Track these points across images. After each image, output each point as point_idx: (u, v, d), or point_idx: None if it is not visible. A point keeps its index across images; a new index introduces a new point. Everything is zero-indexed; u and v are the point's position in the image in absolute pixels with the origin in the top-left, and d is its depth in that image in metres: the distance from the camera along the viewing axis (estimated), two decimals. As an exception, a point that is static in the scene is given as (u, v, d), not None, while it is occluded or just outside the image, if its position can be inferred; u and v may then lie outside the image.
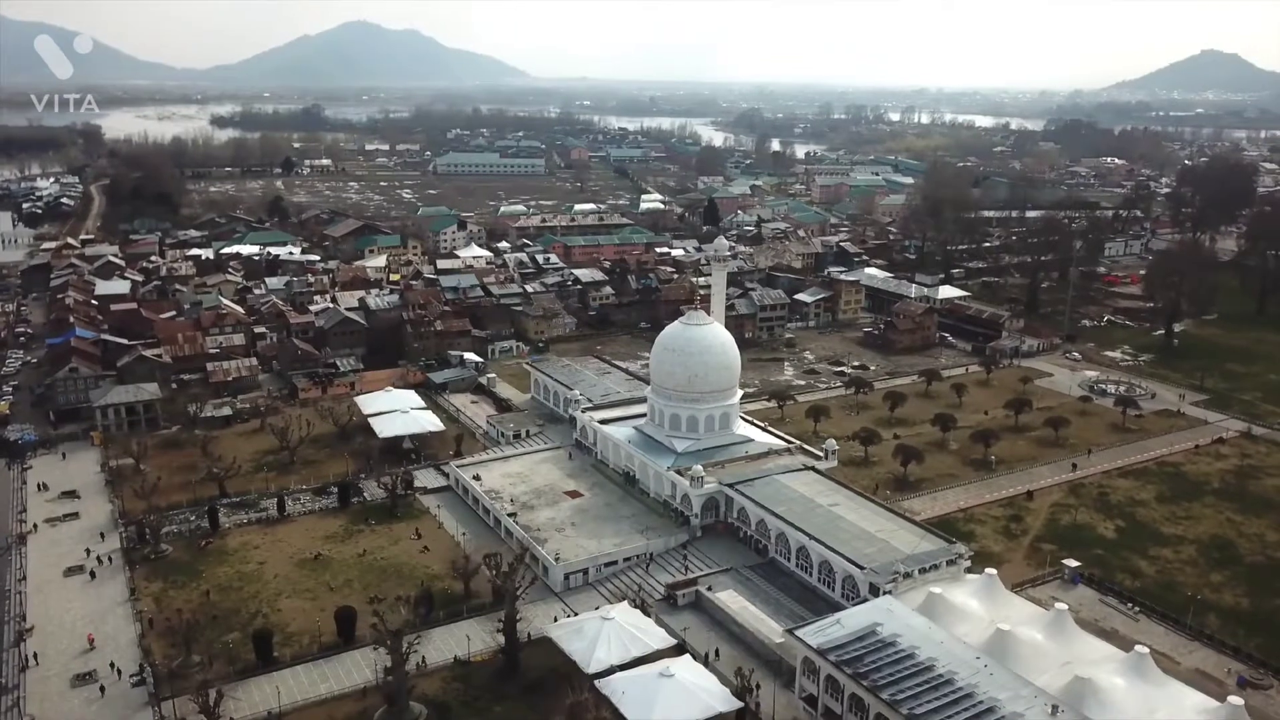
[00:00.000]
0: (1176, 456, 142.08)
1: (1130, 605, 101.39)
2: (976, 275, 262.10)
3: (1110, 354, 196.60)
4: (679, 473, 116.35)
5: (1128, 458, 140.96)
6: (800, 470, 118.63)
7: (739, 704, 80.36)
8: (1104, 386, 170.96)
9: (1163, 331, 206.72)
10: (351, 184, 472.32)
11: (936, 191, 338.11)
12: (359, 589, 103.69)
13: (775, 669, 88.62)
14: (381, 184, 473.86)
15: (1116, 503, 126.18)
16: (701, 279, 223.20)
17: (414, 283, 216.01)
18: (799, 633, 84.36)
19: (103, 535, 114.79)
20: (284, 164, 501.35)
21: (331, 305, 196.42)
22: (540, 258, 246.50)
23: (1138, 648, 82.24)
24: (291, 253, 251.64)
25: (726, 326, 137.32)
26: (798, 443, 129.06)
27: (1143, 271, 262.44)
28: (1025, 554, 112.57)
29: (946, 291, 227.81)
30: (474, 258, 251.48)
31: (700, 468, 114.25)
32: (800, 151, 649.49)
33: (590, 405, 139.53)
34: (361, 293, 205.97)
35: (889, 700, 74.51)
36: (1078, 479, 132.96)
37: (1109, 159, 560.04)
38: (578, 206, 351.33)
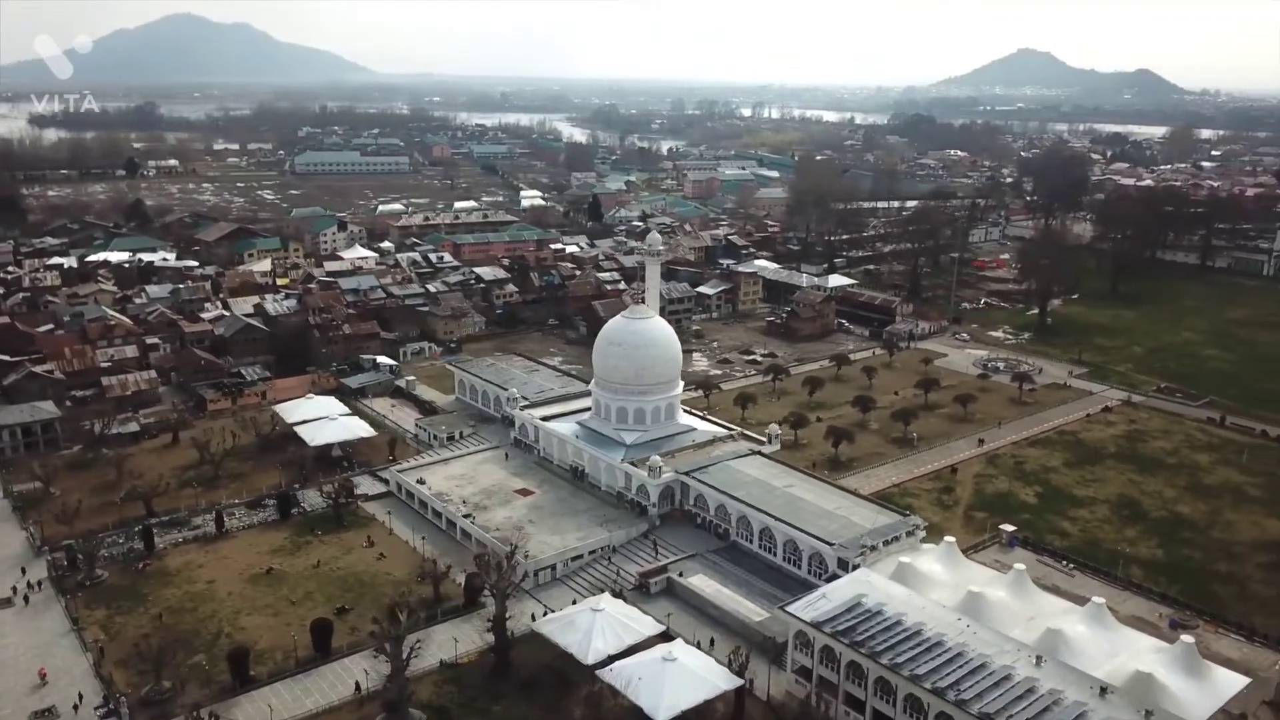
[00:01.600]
0: (1073, 425, 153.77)
1: (1064, 563, 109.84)
2: (858, 264, 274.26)
3: (994, 334, 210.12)
4: (633, 464, 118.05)
5: (1031, 429, 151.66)
6: (748, 455, 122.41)
7: (739, 681, 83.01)
8: (996, 364, 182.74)
9: (1036, 311, 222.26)
10: (205, 185, 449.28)
11: (810, 184, 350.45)
12: (322, 601, 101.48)
13: (760, 647, 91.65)
14: (238, 185, 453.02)
15: (1031, 470, 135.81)
16: (604, 274, 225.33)
17: (310, 286, 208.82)
18: (790, 609, 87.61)
19: (23, 568, 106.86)
20: (127, 165, 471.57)
21: (228, 313, 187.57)
22: (433, 256, 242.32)
23: (1095, 598, 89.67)
24: (166, 259, 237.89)
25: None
26: (738, 429, 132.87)
27: (1005, 255, 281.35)
28: (961, 522, 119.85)
29: (836, 280, 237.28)
30: (360, 259, 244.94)
31: (658, 458, 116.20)
32: (664, 147, 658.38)
33: (529, 403, 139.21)
34: (255, 298, 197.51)
35: (889, 664, 78.59)
36: (993, 450, 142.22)
37: (953, 151, 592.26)
38: (458, 204, 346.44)
